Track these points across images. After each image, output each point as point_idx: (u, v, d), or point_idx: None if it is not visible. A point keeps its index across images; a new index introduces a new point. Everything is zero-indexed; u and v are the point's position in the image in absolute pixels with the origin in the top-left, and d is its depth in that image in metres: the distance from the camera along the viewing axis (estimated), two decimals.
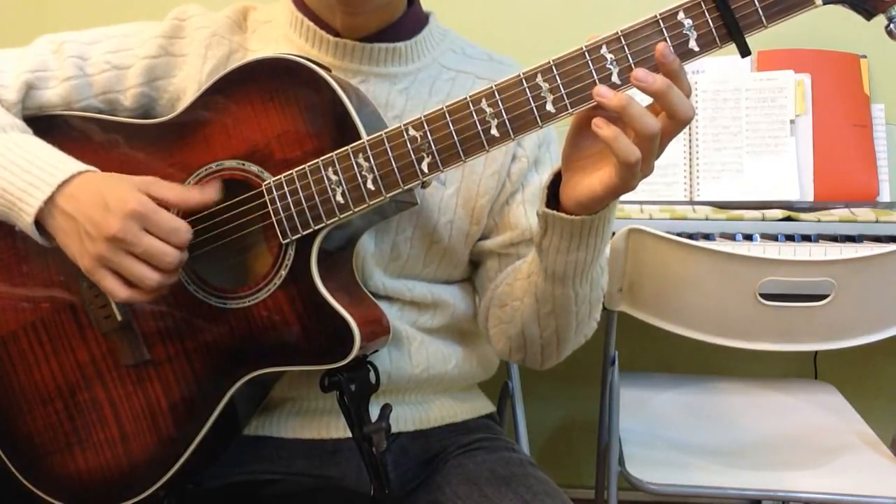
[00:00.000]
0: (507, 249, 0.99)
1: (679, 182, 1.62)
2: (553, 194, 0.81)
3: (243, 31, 0.99)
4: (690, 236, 1.36)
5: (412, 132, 0.78)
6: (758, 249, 1.34)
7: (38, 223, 0.84)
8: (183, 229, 0.80)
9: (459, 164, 0.77)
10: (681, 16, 0.71)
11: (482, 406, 1.10)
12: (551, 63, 0.74)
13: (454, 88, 0.98)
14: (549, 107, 0.74)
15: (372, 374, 0.87)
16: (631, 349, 1.41)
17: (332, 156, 0.80)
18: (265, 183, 0.83)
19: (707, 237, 1.39)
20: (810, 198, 1.59)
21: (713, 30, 0.71)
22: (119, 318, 0.89)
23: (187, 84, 0.95)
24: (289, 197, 0.82)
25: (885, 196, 1.61)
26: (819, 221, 1.44)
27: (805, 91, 1.63)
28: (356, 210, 0.80)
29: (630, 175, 0.72)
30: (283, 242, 0.83)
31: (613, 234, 1.13)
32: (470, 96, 0.76)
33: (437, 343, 1.00)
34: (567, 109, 0.74)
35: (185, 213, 0.84)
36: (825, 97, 1.63)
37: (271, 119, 0.84)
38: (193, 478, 0.93)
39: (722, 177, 1.61)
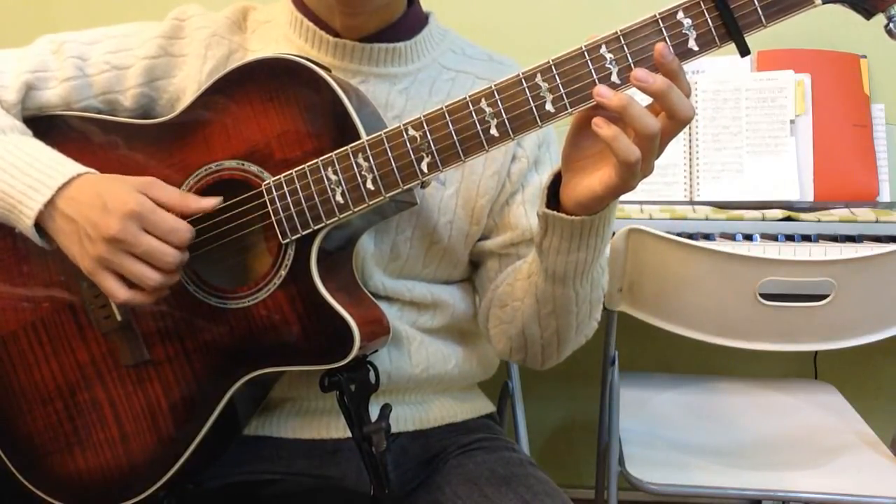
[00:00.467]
0: (507, 250, 0.99)
1: (679, 182, 1.62)
2: (553, 195, 0.81)
3: (243, 31, 0.99)
4: (690, 236, 1.36)
5: (412, 132, 0.78)
6: (758, 249, 1.34)
7: (39, 225, 0.84)
8: (182, 229, 0.80)
9: (459, 164, 0.77)
10: (680, 15, 0.71)
11: (482, 406, 1.10)
12: (551, 63, 0.74)
13: (454, 89, 0.98)
14: (549, 106, 0.74)
15: (372, 374, 0.87)
16: (631, 349, 1.41)
17: (331, 156, 0.80)
18: (265, 183, 0.83)
19: (707, 237, 1.39)
20: (810, 198, 1.59)
21: (712, 29, 0.71)
22: (119, 318, 0.89)
23: (187, 84, 0.95)
24: (288, 197, 0.82)
25: (885, 196, 1.61)
26: (819, 221, 1.44)
27: (805, 91, 1.63)
28: (356, 210, 0.80)
29: (630, 175, 0.72)
30: (283, 242, 0.83)
31: (613, 234, 1.13)
32: (469, 96, 0.76)
33: (437, 343, 1.00)
34: (566, 109, 0.74)
35: (184, 216, 0.84)
36: (825, 97, 1.63)
37: (271, 119, 0.84)
38: (193, 478, 0.93)
39: (722, 177, 1.61)
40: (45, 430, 0.93)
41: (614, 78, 0.72)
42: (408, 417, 1.01)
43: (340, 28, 0.95)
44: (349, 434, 0.85)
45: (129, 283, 0.81)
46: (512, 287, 0.95)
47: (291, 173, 0.82)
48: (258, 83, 0.84)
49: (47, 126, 0.93)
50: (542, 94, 0.74)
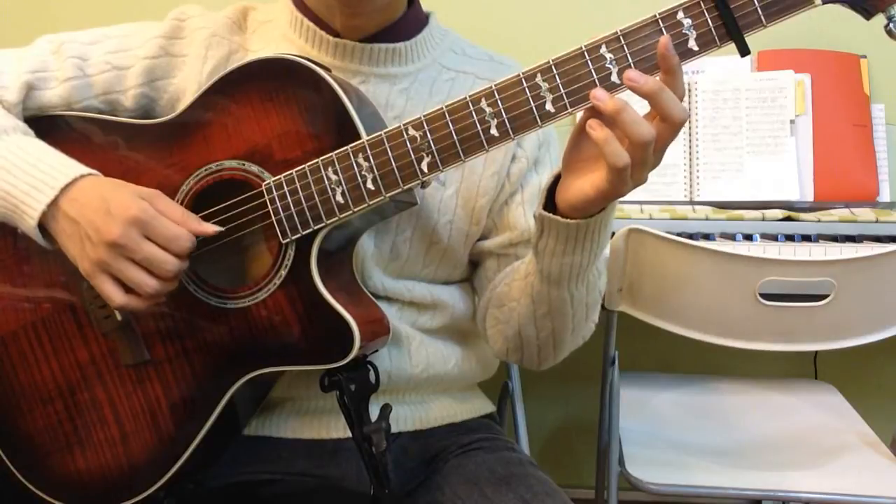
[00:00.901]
0: (505, 250, 0.99)
1: (679, 182, 1.62)
2: (551, 196, 0.81)
3: (243, 31, 0.99)
4: (690, 236, 1.36)
5: (412, 132, 0.78)
6: (758, 249, 1.34)
7: (41, 226, 0.84)
8: (183, 237, 0.80)
9: (459, 163, 0.77)
10: (680, 15, 0.71)
11: (482, 406, 1.10)
12: (551, 63, 0.74)
13: (454, 89, 0.98)
14: (549, 106, 0.74)
15: (372, 374, 0.87)
16: (631, 349, 1.41)
17: (331, 156, 0.80)
18: (265, 183, 0.83)
19: (707, 237, 1.39)
20: (810, 198, 1.59)
21: (712, 29, 0.71)
22: (119, 318, 0.89)
23: (187, 84, 0.95)
24: (289, 197, 0.82)
25: (885, 196, 1.61)
26: (819, 221, 1.44)
27: (805, 91, 1.63)
28: (356, 210, 0.80)
29: (619, 181, 0.72)
30: (283, 242, 0.83)
31: (613, 234, 1.13)
32: (469, 96, 0.76)
33: (437, 343, 1.00)
34: (566, 109, 0.74)
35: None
36: (825, 97, 1.63)
37: (271, 119, 0.84)
38: (193, 478, 0.93)
39: (722, 177, 1.61)
40: (46, 430, 0.93)
41: (614, 78, 0.72)
42: (408, 417, 1.01)
43: (341, 28, 0.95)
44: (349, 434, 0.85)
45: (127, 288, 0.81)
46: (509, 287, 0.95)
47: (292, 173, 0.82)
48: (258, 83, 0.84)
49: (48, 126, 0.93)
50: (542, 93, 0.74)
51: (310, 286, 0.82)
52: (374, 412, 0.86)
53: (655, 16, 0.72)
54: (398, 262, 0.96)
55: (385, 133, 0.79)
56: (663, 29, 0.71)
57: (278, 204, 0.82)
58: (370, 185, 0.80)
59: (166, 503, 0.91)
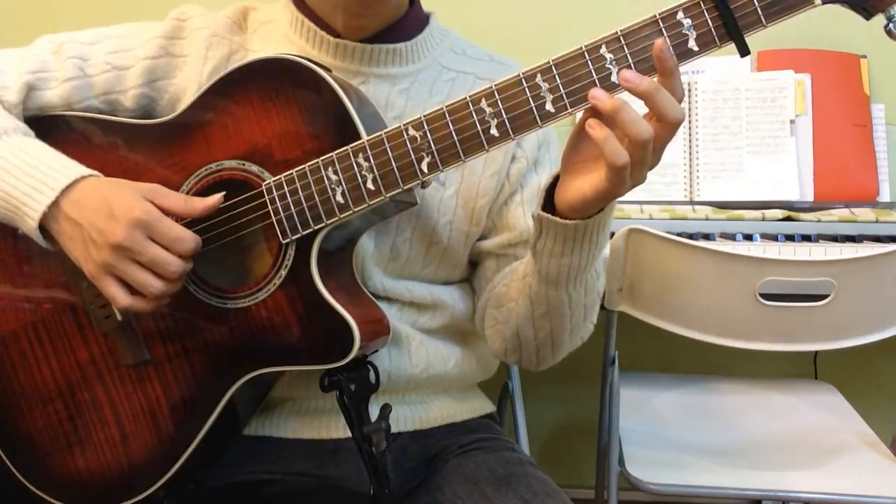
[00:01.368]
0: (505, 250, 0.99)
1: (679, 182, 1.62)
2: (551, 197, 0.81)
3: (243, 31, 0.99)
4: (690, 236, 1.36)
5: (412, 132, 0.78)
6: (758, 249, 1.34)
7: (42, 227, 0.84)
8: (187, 239, 0.80)
9: (459, 163, 0.77)
10: (680, 15, 0.71)
11: (482, 406, 1.10)
12: (551, 63, 0.74)
13: (454, 89, 0.98)
14: (549, 106, 0.74)
15: (372, 374, 0.87)
16: (631, 349, 1.41)
17: (331, 156, 0.80)
18: (265, 183, 0.83)
19: (707, 237, 1.39)
20: (810, 198, 1.59)
21: (712, 29, 0.71)
22: (119, 318, 0.89)
23: (187, 85, 0.95)
24: (289, 197, 0.82)
25: (885, 196, 1.61)
26: (819, 221, 1.44)
27: (805, 91, 1.63)
28: (356, 210, 0.80)
29: (619, 180, 0.72)
30: (283, 242, 0.83)
31: (613, 234, 1.13)
32: (469, 96, 0.76)
33: (437, 343, 1.00)
34: (566, 109, 0.74)
35: (191, 219, 0.85)
36: (825, 97, 1.63)
37: (271, 119, 0.84)
38: (193, 478, 0.93)
39: (722, 177, 1.61)
40: (46, 430, 0.93)
41: (614, 78, 0.72)
42: (408, 417, 1.01)
43: (342, 28, 0.95)
44: (349, 434, 0.85)
45: (132, 290, 0.81)
46: (508, 288, 0.95)
47: (292, 173, 0.82)
48: (259, 83, 0.84)
49: (48, 126, 0.93)
50: (542, 94, 0.74)
51: (310, 286, 0.82)
52: (373, 412, 0.86)
53: (655, 16, 0.72)
54: (398, 262, 0.96)
55: (385, 133, 0.79)
56: (663, 29, 0.71)
57: (278, 204, 0.82)
58: (370, 185, 0.80)
59: (166, 503, 0.91)
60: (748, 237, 1.38)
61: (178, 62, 0.96)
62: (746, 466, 1.26)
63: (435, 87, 0.98)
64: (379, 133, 0.79)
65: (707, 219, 1.47)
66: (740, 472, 1.25)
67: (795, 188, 1.58)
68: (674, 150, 1.62)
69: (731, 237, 1.38)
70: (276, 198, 0.82)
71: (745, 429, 1.39)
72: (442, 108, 0.77)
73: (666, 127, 0.71)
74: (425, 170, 0.78)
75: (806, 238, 1.37)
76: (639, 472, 1.23)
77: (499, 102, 0.75)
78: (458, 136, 0.76)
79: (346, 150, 0.80)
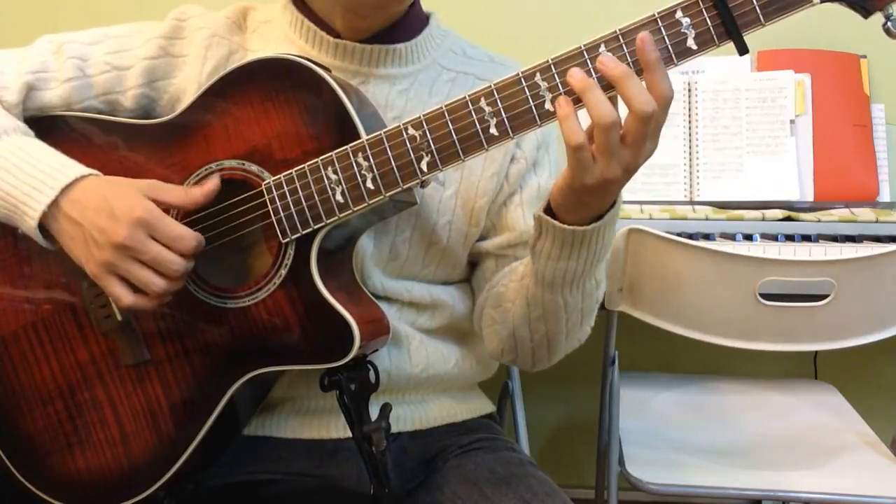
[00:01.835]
0: (504, 251, 0.99)
1: (679, 182, 1.62)
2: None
3: (243, 31, 0.99)
4: (690, 236, 1.36)
5: (411, 131, 0.78)
6: (758, 249, 1.34)
7: (42, 226, 0.84)
8: (188, 237, 0.81)
9: (458, 163, 0.78)
10: (679, 14, 0.71)
11: (482, 406, 1.10)
12: (550, 62, 0.74)
13: (454, 89, 0.98)
14: (548, 106, 0.74)
15: (372, 374, 0.87)
16: (631, 349, 1.41)
17: (331, 155, 0.80)
18: (265, 182, 0.83)
19: (707, 237, 1.39)
20: (810, 198, 1.59)
21: (711, 28, 0.71)
22: (119, 318, 0.89)
23: (187, 85, 0.95)
24: (288, 196, 0.82)
25: (885, 196, 1.61)
26: (819, 221, 1.44)
27: (805, 91, 1.63)
28: (355, 209, 0.80)
29: (579, 165, 0.72)
30: (283, 242, 0.83)
31: None
32: (469, 95, 0.76)
33: (437, 343, 1.00)
34: None
35: (185, 213, 0.85)
36: (825, 97, 1.63)
37: (271, 119, 0.84)
38: (193, 478, 0.93)
39: (722, 177, 1.61)
40: (46, 430, 0.93)
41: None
42: (408, 417, 1.01)
43: (342, 29, 0.95)
44: (349, 434, 0.85)
45: (135, 288, 0.81)
46: (506, 288, 0.95)
47: (291, 173, 0.82)
48: (258, 83, 0.84)
49: (48, 126, 0.93)
50: (541, 93, 0.74)
51: (310, 286, 0.82)
52: (373, 412, 0.86)
53: (654, 15, 0.72)
54: (397, 262, 0.96)
55: (384, 133, 0.79)
56: (662, 28, 0.71)
57: (278, 203, 0.82)
58: (370, 185, 0.80)
59: (166, 503, 0.91)
60: (748, 237, 1.38)
61: (177, 62, 0.96)
62: (746, 466, 1.26)
63: (434, 88, 0.98)
64: (378, 133, 0.79)
65: (707, 219, 1.47)
66: (740, 472, 1.25)
67: (795, 188, 1.58)
68: (674, 150, 1.62)
69: (731, 237, 1.38)
70: (276, 197, 0.82)
71: (745, 429, 1.39)
72: (441, 108, 0.77)
73: (635, 119, 0.70)
74: (425, 169, 0.78)
75: (806, 238, 1.37)
76: (639, 472, 1.23)
77: (498, 102, 0.75)
78: (458, 135, 0.77)
79: (346, 149, 0.80)
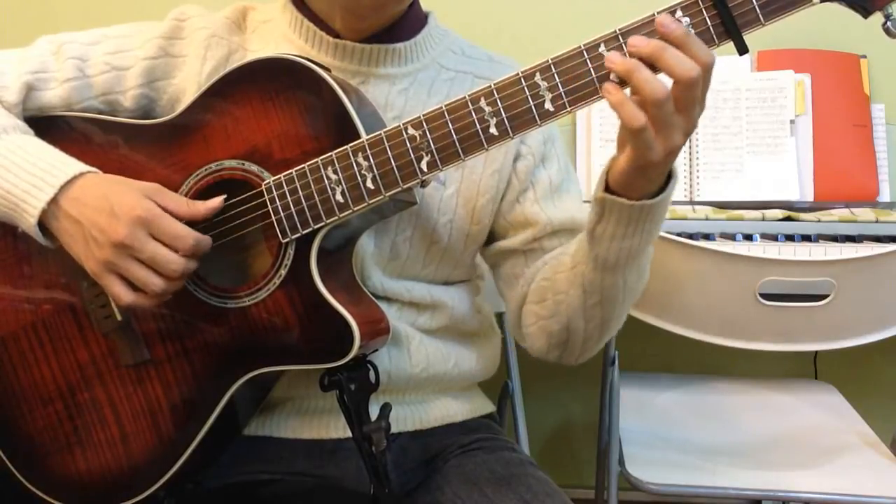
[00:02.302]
0: (531, 245, 0.99)
1: (679, 182, 1.62)
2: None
3: (242, 31, 0.99)
4: (690, 236, 1.36)
5: (411, 131, 0.78)
6: (758, 249, 1.34)
7: (42, 224, 0.84)
8: (188, 237, 0.81)
9: (458, 162, 0.78)
10: (678, 14, 0.71)
11: (482, 406, 1.10)
12: (549, 62, 0.74)
13: (453, 89, 0.98)
14: (548, 105, 0.74)
15: (372, 374, 0.87)
16: (631, 349, 1.41)
17: (331, 155, 0.80)
18: (265, 182, 0.83)
19: (707, 237, 1.39)
20: (810, 198, 1.59)
21: (710, 28, 0.71)
22: (119, 318, 0.89)
23: (187, 85, 0.95)
24: (288, 196, 0.82)
25: (885, 196, 1.61)
26: (819, 221, 1.44)
27: (805, 91, 1.63)
28: (355, 209, 0.80)
29: (642, 144, 0.72)
30: (283, 242, 0.83)
31: None
32: (469, 95, 0.76)
33: (437, 343, 1.00)
34: (565, 108, 0.74)
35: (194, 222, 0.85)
36: (825, 97, 1.63)
37: (271, 119, 0.84)
38: (193, 478, 0.93)
39: (722, 177, 1.61)
40: (46, 430, 0.93)
41: (613, 77, 0.72)
42: (408, 417, 1.00)
43: (341, 28, 0.95)
44: (349, 434, 0.85)
45: (134, 287, 0.81)
46: (550, 281, 0.94)
47: (291, 173, 0.82)
48: (258, 83, 0.84)
49: (48, 126, 0.93)
50: (541, 92, 0.74)
51: (310, 285, 0.82)
52: (373, 412, 0.86)
53: (654, 14, 0.72)
54: (398, 261, 0.96)
55: (384, 132, 0.79)
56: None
57: (278, 203, 0.82)
58: (370, 185, 0.80)
59: (166, 503, 0.91)
60: (748, 237, 1.38)
61: (177, 62, 0.96)
62: (746, 466, 1.26)
63: (434, 87, 0.98)
64: (378, 132, 0.79)
65: (707, 219, 1.47)
66: (740, 472, 1.25)
67: (795, 188, 1.58)
68: None
69: (731, 237, 1.38)
70: (276, 197, 0.82)
71: (745, 429, 1.39)
72: (441, 108, 0.77)
73: (681, 86, 0.70)
74: (425, 169, 0.78)
75: (806, 238, 1.37)
76: (639, 472, 1.23)
77: (498, 101, 0.75)
78: (458, 135, 0.77)
79: (346, 149, 0.80)
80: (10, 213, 0.85)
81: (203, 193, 0.86)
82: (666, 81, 0.71)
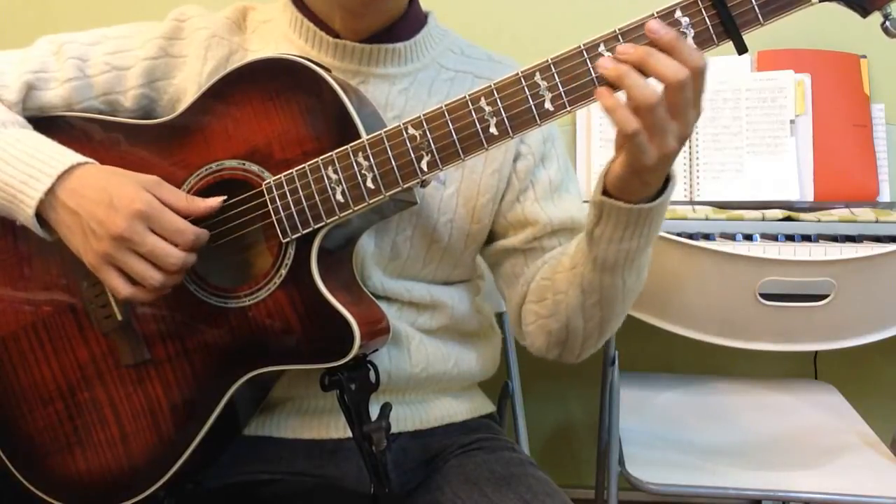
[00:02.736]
0: (531, 244, 0.99)
1: (679, 182, 1.62)
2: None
3: (243, 31, 0.99)
4: (690, 236, 1.36)
5: (411, 131, 0.78)
6: (758, 249, 1.34)
7: (40, 216, 0.84)
8: (187, 231, 0.81)
9: (458, 162, 0.78)
10: (678, 14, 0.72)
11: (482, 406, 1.10)
12: (549, 62, 0.74)
13: (453, 88, 0.98)
14: (548, 105, 0.74)
15: (372, 374, 0.87)
16: (631, 349, 1.41)
17: (331, 155, 0.80)
18: (265, 182, 0.83)
19: (707, 237, 1.39)
20: (810, 198, 1.59)
21: (710, 27, 0.71)
22: (119, 317, 0.89)
23: (187, 85, 0.95)
24: (289, 196, 0.82)
25: (885, 196, 1.61)
26: (819, 221, 1.44)
27: (805, 91, 1.63)
28: (356, 209, 0.80)
29: (637, 148, 0.72)
30: (284, 241, 0.83)
31: None
32: (469, 95, 0.76)
33: (437, 342, 1.00)
34: (565, 108, 0.74)
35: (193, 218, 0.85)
36: (825, 97, 1.63)
37: (271, 119, 0.84)
38: (193, 478, 0.93)
39: (722, 177, 1.61)
40: (46, 430, 0.93)
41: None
42: (408, 417, 1.00)
43: (340, 29, 0.95)
44: (349, 434, 0.85)
45: (133, 280, 0.81)
46: (550, 280, 0.95)
47: (292, 172, 0.82)
48: (258, 83, 0.85)
49: (48, 126, 0.93)
50: (540, 92, 0.74)
51: (310, 285, 0.82)
52: (373, 412, 0.86)
53: (653, 14, 0.72)
54: (398, 261, 0.96)
55: (385, 132, 0.79)
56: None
57: (278, 203, 0.82)
58: (370, 184, 0.80)
59: (166, 503, 0.91)
60: (748, 237, 1.38)
61: (177, 63, 0.96)
62: (746, 466, 1.26)
63: (434, 87, 0.98)
64: (378, 132, 0.79)
65: (707, 219, 1.47)
66: (740, 472, 1.25)
67: (795, 188, 1.58)
68: None
69: (731, 237, 1.38)
70: (276, 197, 0.82)
71: (745, 429, 1.39)
72: (441, 107, 0.77)
73: (671, 89, 0.70)
74: (425, 168, 0.78)
75: (806, 238, 1.37)
76: (639, 472, 1.23)
77: (498, 101, 0.75)
78: (458, 134, 0.77)
79: (346, 149, 0.80)
80: (8, 206, 0.85)
81: (203, 193, 0.86)
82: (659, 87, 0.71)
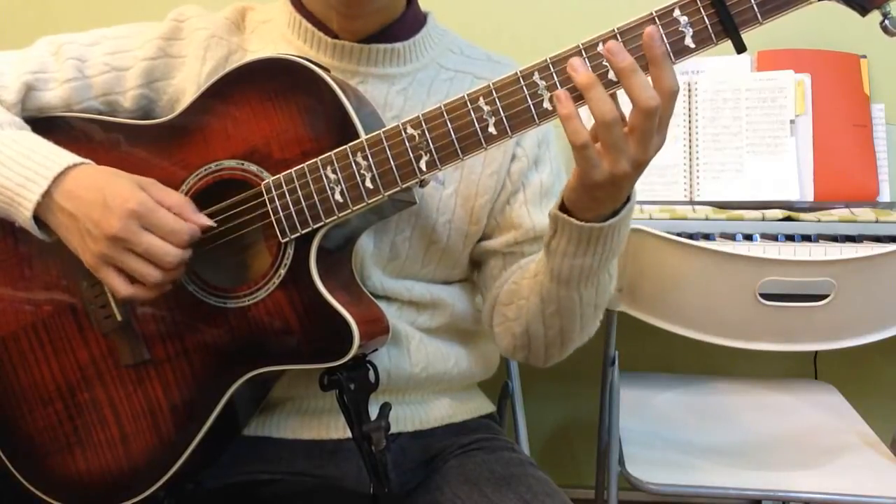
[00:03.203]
0: (511, 248, 0.99)
1: (679, 182, 1.62)
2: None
3: (241, 31, 0.99)
4: (690, 236, 1.36)
5: (410, 131, 0.78)
6: (758, 249, 1.34)
7: (38, 218, 0.84)
8: (182, 230, 0.81)
9: (457, 162, 0.78)
10: (676, 13, 0.71)
11: (482, 406, 1.10)
12: (548, 61, 0.74)
13: (452, 88, 0.98)
14: (547, 104, 0.74)
15: (371, 373, 0.87)
16: (631, 349, 1.41)
17: (330, 155, 0.80)
18: (264, 182, 0.83)
19: (707, 237, 1.39)
20: (810, 198, 1.59)
21: (709, 26, 0.71)
22: (119, 317, 0.89)
23: (186, 85, 0.95)
24: (287, 196, 0.82)
25: (885, 196, 1.61)
26: (819, 221, 1.44)
27: (805, 91, 1.63)
28: (355, 209, 0.80)
29: (586, 162, 0.72)
30: (283, 241, 0.83)
31: None
32: (468, 95, 0.76)
33: (437, 342, 1.00)
34: None
35: None
36: (825, 97, 1.63)
37: (270, 119, 0.84)
38: (193, 478, 0.93)
39: (722, 177, 1.61)
40: (46, 431, 0.93)
41: (611, 76, 0.72)
42: (407, 417, 1.01)
43: (339, 29, 0.95)
44: (349, 434, 0.85)
45: (132, 279, 0.81)
46: (518, 285, 0.95)
47: (290, 172, 0.82)
48: (257, 83, 0.85)
49: (47, 126, 0.94)
50: (539, 92, 0.74)
51: (309, 285, 0.82)
52: (373, 412, 0.86)
53: (652, 13, 0.72)
54: (397, 261, 0.96)
55: (383, 132, 0.79)
56: (660, 27, 0.71)
57: (277, 203, 0.82)
58: (369, 184, 0.80)
59: (166, 503, 0.91)
60: (748, 237, 1.38)
61: (176, 63, 0.96)
62: (746, 466, 1.26)
63: (433, 87, 0.98)
64: (377, 132, 0.79)
65: (707, 219, 1.47)
66: (740, 472, 1.25)
67: (795, 188, 1.58)
68: (674, 151, 1.63)
69: (731, 237, 1.38)
70: (275, 197, 0.82)
71: (745, 429, 1.39)
72: (440, 107, 0.77)
73: (640, 114, 0.70)
74: (423, 168, 0.78)
75: (806, 238, 1.37)
76: (639, 472, 1.23)
77: (497, 101, 0.75)
78: (456, 134, 0.77)
79: (345, 149, 0.80)
80: (6, 208, 0.85)
81: (202, 193, 0.86)
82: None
